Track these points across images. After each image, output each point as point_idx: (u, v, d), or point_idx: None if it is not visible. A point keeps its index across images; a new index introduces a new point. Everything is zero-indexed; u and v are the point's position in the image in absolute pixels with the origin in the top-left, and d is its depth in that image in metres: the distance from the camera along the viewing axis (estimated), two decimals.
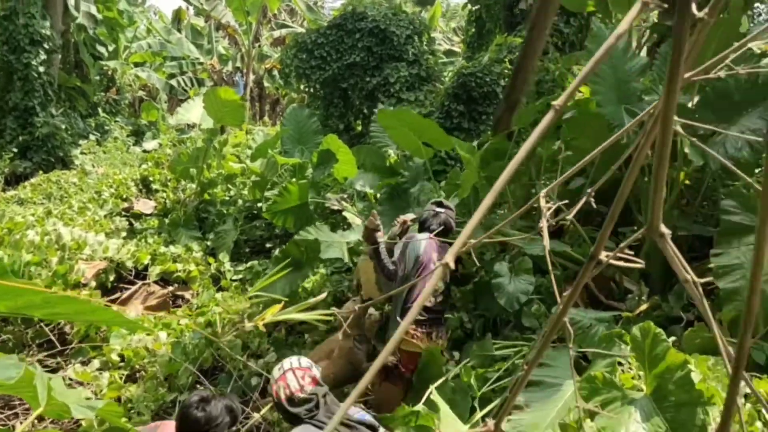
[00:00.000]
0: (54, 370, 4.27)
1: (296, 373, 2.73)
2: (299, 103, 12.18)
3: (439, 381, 3.42)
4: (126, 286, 5.76)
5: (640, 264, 0.69)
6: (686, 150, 3.58)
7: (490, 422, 0.82)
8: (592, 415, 2.50)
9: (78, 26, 14.58)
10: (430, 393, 3.06)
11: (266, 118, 22.00)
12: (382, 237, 3.86)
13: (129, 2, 16.47)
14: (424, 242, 3.89)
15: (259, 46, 20.41)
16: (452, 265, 0.51)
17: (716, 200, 4.43)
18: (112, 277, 5.71)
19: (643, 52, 5.83)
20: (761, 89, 3.58)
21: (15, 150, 11.85)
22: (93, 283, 5.31)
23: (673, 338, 2.94)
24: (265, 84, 22.01)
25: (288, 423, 2.78)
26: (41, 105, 12.38)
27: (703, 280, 0.63)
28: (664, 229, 0.62)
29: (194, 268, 5.92)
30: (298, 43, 10.81)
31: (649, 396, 2.51)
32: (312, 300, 2.60)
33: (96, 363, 4.15)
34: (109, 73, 16.58)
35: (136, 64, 18.12)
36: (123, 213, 8.06)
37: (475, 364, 3.56)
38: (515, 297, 3.89)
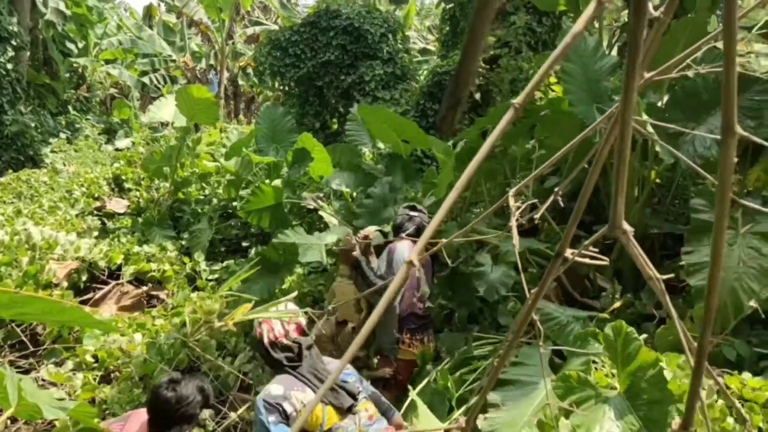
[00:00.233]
0: (26, 371, 4.19)
1: (281, 318, 2.69)
2: (274, 102, 12.12)
3: (421, 384, 3.45)
4: (99, 286, 5.67)
5: (604, 261, 0.70)
6: (657, 149, 3.64)
7: (462, 419, 0.83)
8: (567, 413, 2.54)
9: (46, 22, 14.30)
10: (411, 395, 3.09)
11: (241, 117, 21.84)
12: (359, 256, 3.78)
13: None
14: (407, 248, 3.90)
15: (233, 43, 20.26)
16: (416, 263, 0.52)
17: (687, 198, 4.51)
18: (84, 277, 5.61)
19: (614, 52, 5.92)
20: None
21: None
22: (65, 284, 5.23)
23: (645, 336, 3.00)
24: (240, 82, 21.86)
25: (268, 367, 2.76)
26: (9, 103, 12.12)
27: (665, 277, 0.65)
28: (626, 226, 0.64)
29: (169, 267, 5.85)
30: (272, 40, 10.76)
31: (622, 394, 2.55)
32: (282, 299, 2.58)
33: (69, 364, 4.09)
34: (79, 70, 16.30)
35: (107, 61, 17.83)
36: (95, 212, 7.94)
37: (453, 364, 3.59)
38: (495, 287, 3.83)
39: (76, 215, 7.58)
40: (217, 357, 4.25)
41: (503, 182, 5.03)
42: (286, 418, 2.40)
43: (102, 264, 5.77)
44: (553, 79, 4.98)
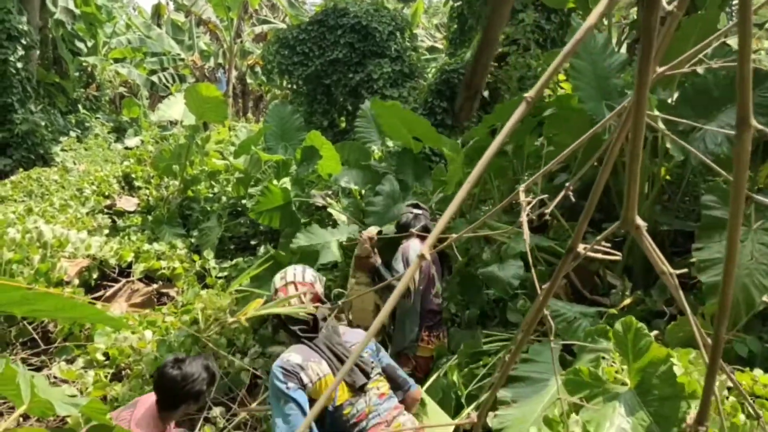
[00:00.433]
0: (38, 369, 4.23)
1: (298, 288, 2.66)
2: (282, 100, 12.14)
3: (431, 379, 3.45)
4: (109, 284, 5.71)
5: (617, 256, 0.70)
6: (668, 145, 3.62)
7: (474, 414, 0.83)
8: (577, 409, 2.53)
9: (56, 22, 14.38)
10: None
11: (249, 115, 21.90)
12: (377, 260, 3.76)
13: None
14: (419, 246, 3.89)
15: (241, 42, 20.30)
16: (428, 257, 0.52)
17: (697, 195, 4.49)
18: (95, 275, 5.66)
19: (623, 49, 5.88)
20: None
21: None
22: (76, 281, 5.27)
23: (656, 332, 2.98)
24: (248, 80, 21.90)
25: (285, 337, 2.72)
26: (20, 102, 12.21)
27: (679, 272, 0.65)
28: (639, 221, 0.64)
29: (178, 265, 5.88)
30: (280, 39, 10.77)
31: (633, 390, 2.54)
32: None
33: (80, 362, 4.12)
34: (89, 69, 16.39)
35: (116, 60, 17.92)
36: (105, 210, 7.99)
37: (463, 361, 3.59)
38: (508, 283, 3.77)
39: (87, 213, 7.64)
40: (227, 354, 4.27)
41: (512, 179, 5.02)
42: (302, 387, 2.37)
43: (112, 262, 5.81)
44: (562, 77, 4.97)
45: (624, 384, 2.64)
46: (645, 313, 3.77)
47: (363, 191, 5.94)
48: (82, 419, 3.24)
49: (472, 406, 3.19)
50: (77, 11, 14.87)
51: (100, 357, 4.10)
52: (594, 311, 3.47)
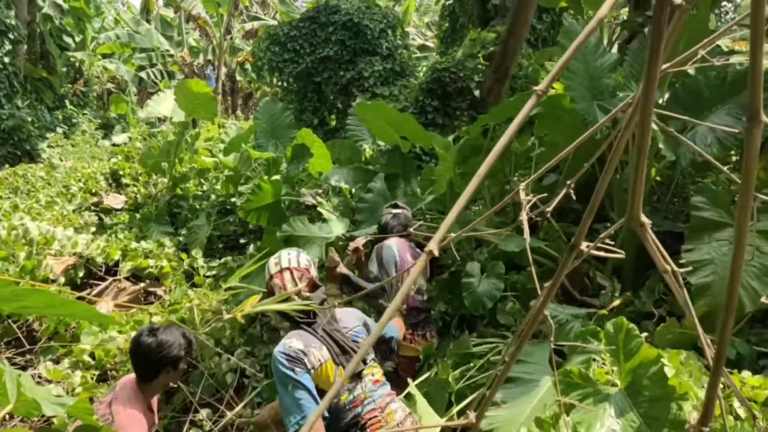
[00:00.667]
0: (23, 368, 4.17)
1: (293, 273, 2.65)
2: (272, 97, 12.08)
3: (421, 378, 3.44)
4: (96, 282, 5.65)
5: (620, 255, 0.69)
6: (660, 145, 3.63)
7: (472, 414, 0.82)
8: (567, 410, 2.53)
9: (44, 16, 14.23)
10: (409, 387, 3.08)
11: (239, 112, 21.79)
12: (343, 269, 3.61)
13: None
14: (395, 245, 3.87)
15: (231, 38, 20.19)
16: (436, 252, 0.50)
17: (686, 196, 4.51)
18: (81, 273, 5.59)
19: (614, 49, 5.90)
20: (730, 86, 3.65)
21: None
22: (62, 279, 5.20)
23: (645, 334, 2.99)
24: (238, 77, 21.78)
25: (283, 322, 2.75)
26: (6, 97, 12.07)
27: (683, 270, 0.64)
28: (644, 219, 0.63)
29: (166, 264, 5.83)
30: (271, 35, 10.72)
31: (623, 391, 2.54)
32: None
33: (66, 362, 4.07)
34: (77, 64, 16.23)
35: (104, 56, 17.75)
36: (92, 207, 7.91)
37: (452, 361, 3.58)
38: (481, 301, 3.85)
39: (74, 211, 7.55)
40: (213, 354, 4.24)
41: (503, 180, 5.02)
42: (308, 372, 2.38)
43: (99, 260, 5.75)
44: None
45: (614, 385, 2.64)
46: (634, 314, 3.78)
47: (353, 190, 5.92)
48: (69, 420, 3.20)
49: (462, 405, 3.18)
50: (65, 6, 14.73)
51: (86, 358, 4.05)
52: (584, 313, 3.48)
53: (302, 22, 10.58)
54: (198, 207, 7.52)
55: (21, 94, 12.85)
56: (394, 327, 3.08)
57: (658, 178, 4.46)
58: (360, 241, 3.95)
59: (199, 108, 7.77)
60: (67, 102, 15.28)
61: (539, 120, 4.46)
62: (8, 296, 1.15)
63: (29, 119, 12.42)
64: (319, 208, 5.76)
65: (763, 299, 3.04)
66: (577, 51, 0.49)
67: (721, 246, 3.30)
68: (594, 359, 2.87)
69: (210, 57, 20.97)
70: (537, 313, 0.70)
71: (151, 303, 5.38)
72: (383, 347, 2.95)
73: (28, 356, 4.32)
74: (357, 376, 2.54)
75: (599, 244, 0.69)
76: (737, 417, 2.56)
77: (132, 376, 2.69)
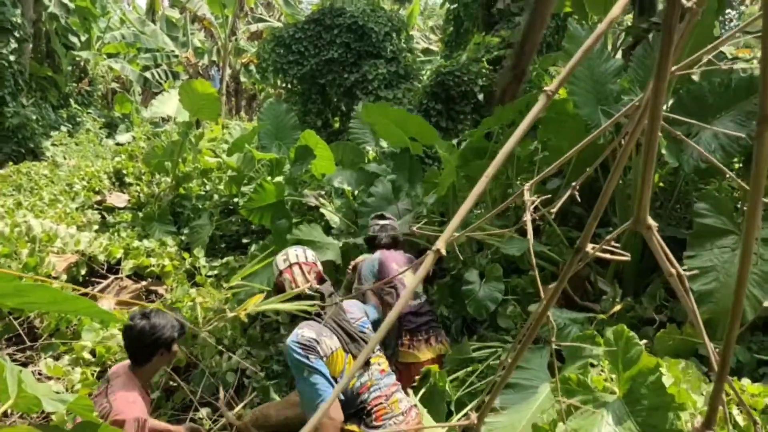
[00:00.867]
0: (23, 365, 4.17)
1: (303, 268, 2.79)
2: (276, 99, 12.10)
3: (424, 388, 3.41)
4: (98, 280, 5.65)
5: (626, 257, 0.69)
6: (663, 151, 3.63)
7: (474, 415, 0.82)
8: (566, 417, 2.53)
9: (50, 15, 14.28)
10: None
11: (242, 114, 21.83)
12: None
13: None
14: (376, 260, 3.81)
15: (236, 39, 20.23)
16: (443, 252, 0.50)
17: (689, 203, 4.51)
18: (83, 271, 5.59)
19: (618, 55, 5.91)
20: (734, 93, 3.65)
21: None
22: (64, 277, 5.20)
23: (645, 340, 2.99)
24: (242, 79, 21.83)
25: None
26: (11, 95, 12.09)
27: (689, 273, 0.64)
28: (651, 222, 0.63)
29: (168, 263, 5.83)
30: (276, 37, 10.73)
31: (621, 399, 2.54)
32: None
33: (66, 359, 4.07)
34: (82, 63, 16.28)
35: (109, 56, 17.79)
36: (95, 206, 7.91)
37: (452, 367, 3.56)
38: (484, 305, 3.90)
39: (76, 209, 7.56)
40: (214, 354, 4.24)
41: (505, 183, 5.02)
42: (322, 359, 2.49)
43: (101, 258, 5.75)
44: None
45: (612, 393, 2.63)
46: (635, 320, 3.78)
47: (356, 192, 5.92)
48: (68, 417, 3.20)
49: (462, 414, 3.17)
50: (71, 5, 14.77)
51: (86, 355, 4.05)
52: (584, 317, 3.48)
53: (307, 24, 10.59)
54: (201, 207, 7.52)
55: (26, 93, 12.89)
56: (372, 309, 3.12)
57: (661, 185, 4.45)
58: (358, 260, 4.02)
59: (203, 108, 7.77)
60: (71, 101, 15.31)
61: (543, 124, 4.46)
62: (11, 291, 1.15)
63: (34, 117, 12.45)
64: (321, 210, 5.76)
65: (766, 304, 3.04)
66: (587, 53, 0.50)
67: (723, 253, 3.30)
68: (592, 365, 2.86)
69: (215, 58, 21.02)
70: (539, 316, 0.70)
71: (153, 302, 5.38)
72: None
73: (28, 353, 4.32)
74: (365, 364, 2.64)
75: (605, 247, 0.69)
76: (735, 425, 2.56)
77: (124, 363, 2.70)
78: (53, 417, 3.38)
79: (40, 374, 3.93)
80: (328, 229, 5.75)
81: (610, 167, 4.08)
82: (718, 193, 3.71)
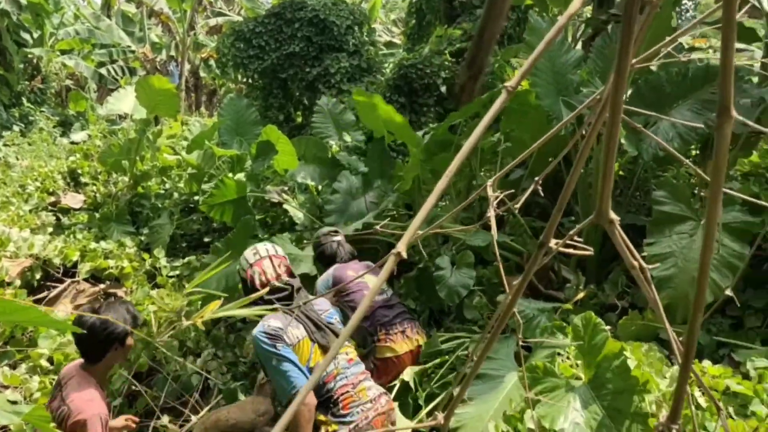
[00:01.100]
0: None
1: (273, 261, 2.84)
2: (237, 94, 11.92)
3: (396, 383, 3.39)
4: (54, 284, 5.47)
5: (589, 251, 0.68)
6: (623, 141, 3.69)
7: (440, 415, 0.80)
8: (533, 405, 2.56)
9: (1, 12, 13.77)
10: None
11: (203, 109, 21.46)
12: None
13: None
14: (330, 276, 3.70)
15: (195, 34, 19.85)
16: (404, 255, 0.48)
17: (648, 190, 4.60)
18: (38, 275, 5.41)
19: (578, 46, 5.98)
20: (691, 82, 3.73)
21: None
22: (18, 282, 5.03)
23: (609, 327, 3.04)
24: (202, 74, 21.45)
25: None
26: None
27: (652, 267, 0.63)
28: (613, 215, 0.62)
29: (127, 264, 5.68)
30: (236, 31, 10.56)
31: (587, 384, 2.58)
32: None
33: (23, 367, 3.94)
34: (34, 61, 15.75)
35: (63, 52, 17.24)
36: (50, 207, 7.66)
37: (422, 360, 3.56)
38: (456, 290, 3.90)
39: (30, 211, 7.30)
40: (179, 357, 4.15)
41: (469, 175, 5.03)
42: (289, 347, 2.55)
43: (57, 261, 5.57)
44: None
45: (579, 378, 2.67)
46: (598, 306, 3.85)
47: (320, 187, 5.86)
48: (27, 427, 3.10)
49: (430, 407, 3.18)
50: (23, 1, 14.28)
51: (44, 363, 3.92)
52: (550, 306, 3.52)
53: (267, 18, 10.44)
54: (160, 206, 7.35)
55: None
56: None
57: (621, 173, 4.53)
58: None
59: (162, 105, 7.59)
60: (24, 99, 14.82)
61: (506, 116, 4.48)
62: None
63: None
64: (285, 206, 5.69)
65: (727, 292, 3.11)
66: (548, 47, 0.48)
67: (681, 239, 3.37)
68: (558, 353, 2.90)
69: (173, 53, 20.59)
70: (506, 311, 0.69)
71: None
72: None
73: None
74: None
75: (568, 241, 0.68)
76: (698, 406, 2.62)
77: (75, 362, 2.62)
78: (11, 427, 3.26)
79: None
80: (292, 225, 5.69)
81: (572, 159, 4.13)
82: (676, 180, 3.79)
